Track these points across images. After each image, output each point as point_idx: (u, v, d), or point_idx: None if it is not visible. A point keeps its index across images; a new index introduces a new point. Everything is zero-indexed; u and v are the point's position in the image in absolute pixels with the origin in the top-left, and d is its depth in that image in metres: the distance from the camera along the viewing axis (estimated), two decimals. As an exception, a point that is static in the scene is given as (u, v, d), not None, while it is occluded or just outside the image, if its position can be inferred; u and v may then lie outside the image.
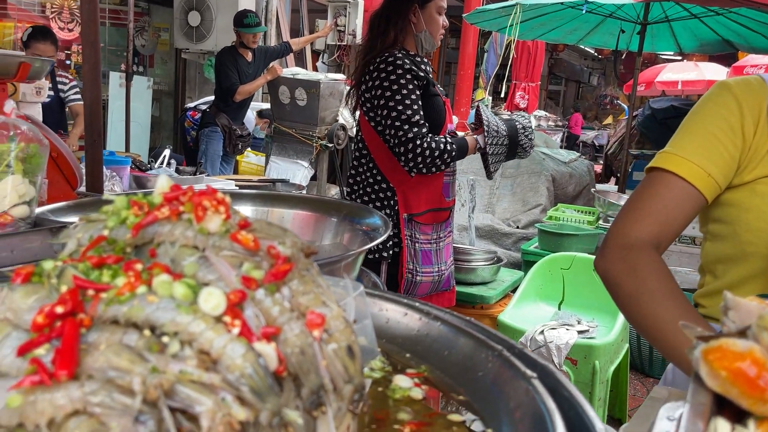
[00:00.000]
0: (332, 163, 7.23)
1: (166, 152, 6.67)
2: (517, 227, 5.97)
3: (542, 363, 1.01)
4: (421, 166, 3.13)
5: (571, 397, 0.92)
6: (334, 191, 7.31)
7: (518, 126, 3.42)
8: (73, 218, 1.82)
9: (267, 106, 7.82)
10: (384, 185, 3.39)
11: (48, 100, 5.13)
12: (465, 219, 5.32)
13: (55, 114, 5.36)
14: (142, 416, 0.65)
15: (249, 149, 7.51)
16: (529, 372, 0.95)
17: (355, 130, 6.69)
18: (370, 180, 3.43)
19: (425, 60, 3.40)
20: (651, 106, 7.35)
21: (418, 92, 3.19)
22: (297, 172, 6.87)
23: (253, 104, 7.70)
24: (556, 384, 0.95)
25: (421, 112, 3.16)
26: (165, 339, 0.74)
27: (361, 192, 3.49)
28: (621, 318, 3.74)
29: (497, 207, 6.16)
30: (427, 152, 3.07)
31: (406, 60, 3.18)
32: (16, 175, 1.47)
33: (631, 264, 1.46)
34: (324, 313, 0.82)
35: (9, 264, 1.40)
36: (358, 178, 3.49)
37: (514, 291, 4.28)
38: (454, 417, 0.95)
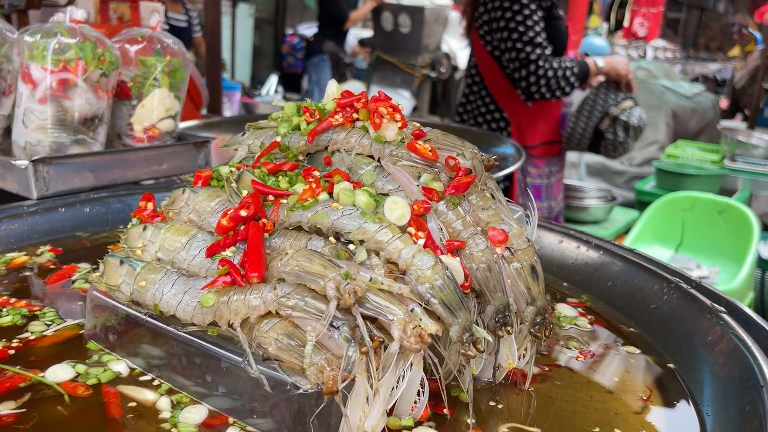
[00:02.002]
0: (434, 94, 7.06)
1: (273, 79, 6.76)
2: (631, 165, 5.65)
3: (727, 297, 0.92)
4: (544, 90, 2.96)
5: (766, 333, 0.83)
6: (434, 123, 7.16)
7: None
8: (209, 135, 1.85)
9: (368, 33, 7.68)
10: (497, 115, 3.25)
11: (184, 25, 5.26)
12: (575, 155, 5.07)
13: (185, 40, 5.49)
14: (337, 321, 0.64)
15: (351, 78, 7.45)
16: (716, 306, 0.87)
17: (463, 55, 6.33)
18: (482, 109, 3.30)
19: (549, -22, 3.16)
20: (792, 34, 6.54)
21: (540, 13, 3.00)
22: (398, 102, 6.76)
23: (354, 31, 7.59)
24: (747, 319, 0.87)
25: (544, 34, 2.97)
26: (351, 247, 0.72)
27: (471, 122, 3.38)
28: (747, 265, 3.48)
29: (609, 143, 5.80)
30: (550, 73, 2.90)
31: (528, -21, 2.97)
32: (163, 89, 1.50)
33: None
34: (506, 230, 0.77)
35: (160, 176, 1.44)
36: (469, 107, 3.36)
37: (626, 232, 4.07)
38: (629, 348, 0.89)
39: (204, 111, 3.01)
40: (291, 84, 7.67)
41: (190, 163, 1.49)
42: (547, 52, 3.00)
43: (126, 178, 1.38)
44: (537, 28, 3.04)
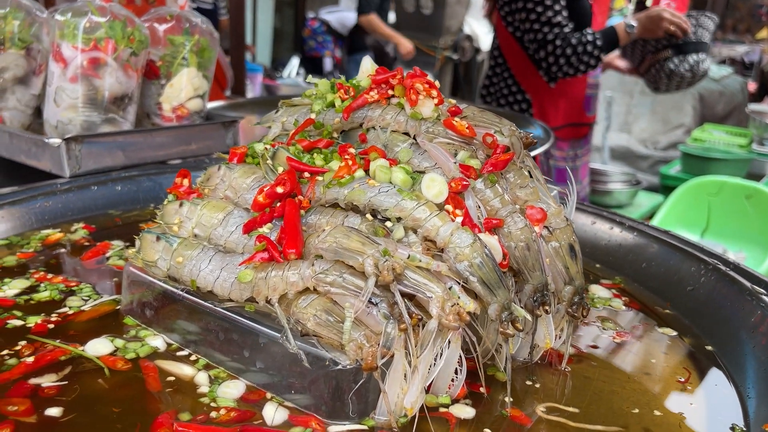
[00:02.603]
0: (456, 76, 6.99)
1: (295, 61, 6.74)
2: (656, 149, 5.56)
3: (767, 280, 0.91)
4: (566, 69, 2.91)
5: (811, 320, 0.81)
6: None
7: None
8: (236, 114, 1.85)
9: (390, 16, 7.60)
10: (519, 96, 3.22)
11: (211, 8, 5.25)
12: (599, 138, 4.99)
13: (213, 22, 5.45)
14: (375, 298, 0.64)
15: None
16: (756, 288, 0.85)
17: (485, 37, 6.25)
18: (505, 91, 3.27)
19: (572, -44, 3.09)
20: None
21: None
22: (418, 85, 6.68)
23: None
24: (788, 304, 0.85)
25: (565, 13, 2.91)
26: (388, 224, 0.71)
27: (494, 104, 3.35)
28: (775, 250, 3.42)
29: (634, 126, 5.72)
30: (569, 51, 2.84)
31: (548, -44, 2.91)
32: (191, 68, 1.50)
33: None
34: (544, 209, 0.76)
35: (189, 156, 1.45)
36: (492, 89, 3.34)
37: (650, 217, 4.02)
38: (666, 330, 0.88)
39: (228, 92, 3.01)
40: (312, 67, 7.65)
41: (218, 142, 1.49)
42: (567, 30, 2.93)
43: (156, 157, 1.39)
44: (556, 7, 2.98)
